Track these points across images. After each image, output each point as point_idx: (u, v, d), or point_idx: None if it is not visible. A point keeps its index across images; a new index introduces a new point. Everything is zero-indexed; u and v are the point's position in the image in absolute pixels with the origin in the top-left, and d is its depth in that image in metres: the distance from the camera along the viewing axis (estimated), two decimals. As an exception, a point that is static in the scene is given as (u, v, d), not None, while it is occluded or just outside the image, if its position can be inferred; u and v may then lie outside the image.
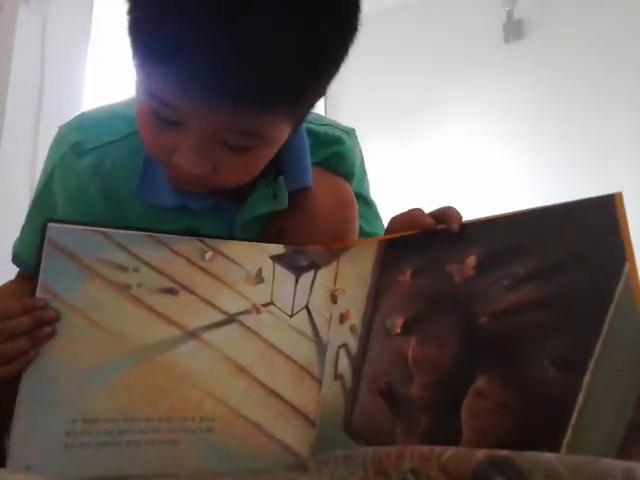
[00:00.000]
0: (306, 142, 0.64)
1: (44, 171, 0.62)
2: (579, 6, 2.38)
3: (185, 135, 0.49)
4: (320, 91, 0.52)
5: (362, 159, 0.74)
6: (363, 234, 0.71)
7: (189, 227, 0.56)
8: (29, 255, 0.61)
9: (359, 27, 0.49)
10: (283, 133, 0.52)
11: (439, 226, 0.52)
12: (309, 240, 0.58)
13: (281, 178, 0.61)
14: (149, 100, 0.48)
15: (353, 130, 0.72)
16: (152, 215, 0.58)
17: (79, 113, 0.65)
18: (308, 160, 0.64)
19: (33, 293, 0.48)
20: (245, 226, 0.62)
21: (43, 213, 0.61)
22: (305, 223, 0.62)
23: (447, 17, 2.63)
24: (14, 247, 0.64)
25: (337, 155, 0.67)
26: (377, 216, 0.79)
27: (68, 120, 0.63)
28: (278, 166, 0.62)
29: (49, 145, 0.63)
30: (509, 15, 2.53)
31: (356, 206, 0.67)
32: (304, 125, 0.63)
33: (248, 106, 0.46)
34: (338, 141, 0.67)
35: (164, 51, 0.44)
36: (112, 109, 0.63)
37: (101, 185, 0.59)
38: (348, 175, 0.69)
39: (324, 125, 0.67)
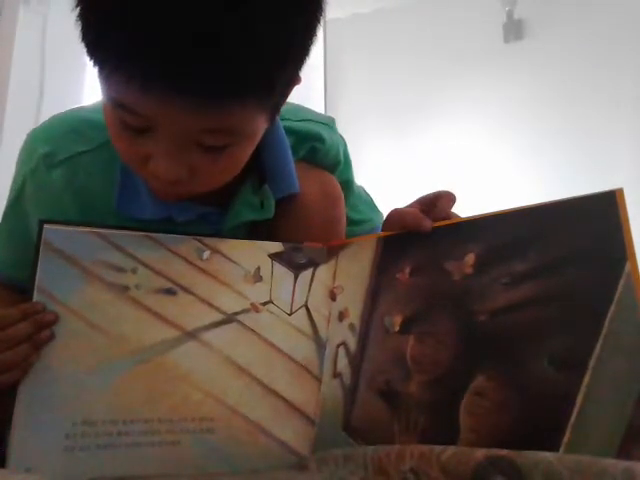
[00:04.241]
0: (287, 145, 0.62)
1: (15, 183, 0.60)
2: (579, 6, 2.38)
3: (156, 141, 0.46)
4: (291, 78, 0.49)
5: (345, 146, 0.72)
6: (351, 223, 0.70)
7: None
8: (5, 268, 0.60)
9: (324, 6, 0.46)
10: (259, 127, 0.50)
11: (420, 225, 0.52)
12: (298, 239, 0.57)
13: (266, 187, 0.60)
14: (114, 108, 0.46)
15: (333, 120, 0.71)
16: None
17: (48, 118, 0.62)
18: (292, 164, 0.62)
19: (30, 296, 0.48)
20: (232, 232, 0.60)
21: (14, 225, 0.60)
22: (293, 225, 0.61)
23: (447, 17, 2.63)
24: None
25: (319, 149, 0.66)
26: (366, 202, 0.78)
27: (39, 125, 0.61)
28: (261, 172, 0.60)
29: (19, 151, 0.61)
30: (509, 15, 2.53)
31: (343, 200, 0.66)
32: (282, 125, 0.62)
33: (215, 100, 0.43)
34: (318, 136, 0.66)
35: (118, 50, 0.42)
36: (83, 115, 0.60)
37: (76, 198, 0.57)
38: (333, 166, 0.68)
39: (303, 121, 0.66)
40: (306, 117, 0.67)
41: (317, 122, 0.67)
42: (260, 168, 0.60)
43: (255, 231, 0.62)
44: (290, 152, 0.62)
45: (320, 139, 0.66)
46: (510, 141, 2.47)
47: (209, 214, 0.60)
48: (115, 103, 0.45)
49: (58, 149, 0.57)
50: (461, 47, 2.58)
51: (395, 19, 2.69)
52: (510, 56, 2.52)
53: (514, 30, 2.53)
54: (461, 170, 2.51)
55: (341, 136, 0.72)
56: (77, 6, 0.44)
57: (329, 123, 0.69)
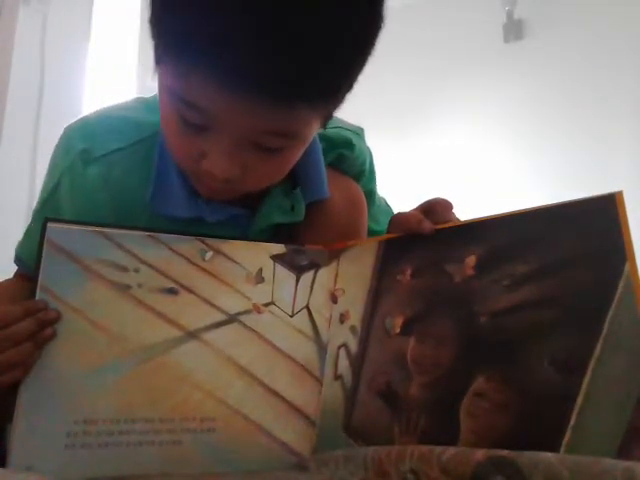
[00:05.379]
0: (320, 150, 0.63)
1: (50, 177, 0.60)
2: (579, 6, 2.38)
3: (215, 140, 0.47)
4: (351, 86, 0.50)
5: (371, 156, 0.73)
6: (371, 233, 0.70)
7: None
8: (31, 260, 0.61)
9: (384, 22, 0.47)
10: (313, 131, 0.51)
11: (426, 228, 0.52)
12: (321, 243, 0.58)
13: (299, 191, 0.61)
14: (175, 104, 0.47)
15: (362, 129, 0.71)
16: (165, 226, 0.57)
17: (87, 114, 0.63)
18: (323, 169, 0.63)
19: (33, 294, 0.48)
20: (260, 234, 0.62)
21: None
22: (317, 230, 0.62)
23: (447, 17, 2.63)
24: (16, 249, 0.63)
25: (347, 156, 0.67)
26: (385, 212, 0.78)
27: (74, 122, 0.62)
28: (294, 175, 0.61)
29: (54, 145, 0.61)
30: (509, 15, 2.53)
31: (366, 209, 0.67)
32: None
33: (286, 102, 0.44)
34: (348, 143, 0.67)
35: (196, 50, 0.42)
36: (120, 113, 0.62)
37: (110, 195, 0.58)
38: (358, 175, 0.69)
39: (334, 128, 0.66)
40: (337, 124, 0.67)
41: (347, 130, 0.68)
42: (292, 171, 0.60)
43: (278, 234, 0.63)
44: (322, 157, 0.63)
45: (349, 146, 0.67)
46: (510, 141, 2.47)
47: (239, 215, 0.61)
48: (180, 100, 0.46)
49: (95, 146, 0.58)
50: (461, 47, 2.59)
51: (395, 19, 2.69)
52: (510, 56, 2.53)
53: (514, 30, 2.53)
54: (461, 170, 2.51)
55: (368, 147, 0.72)
56: (154, 3, 0.45)
57: (359, 132, 0.70)
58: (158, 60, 0.47)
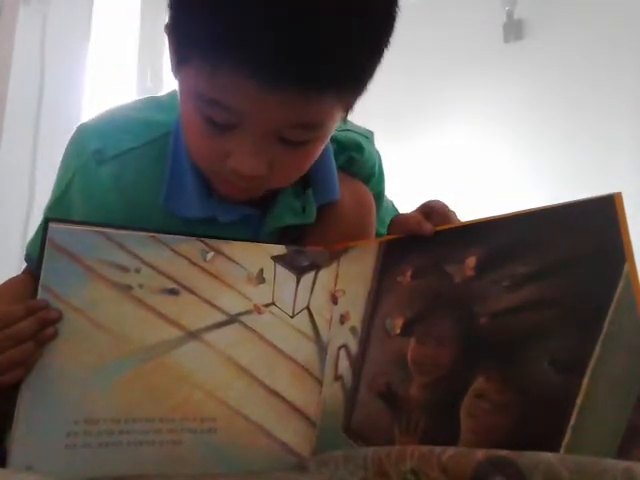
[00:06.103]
0: (332, 153, 0.63)
1: (62, 176, 0.60)
2: (579, 6, 2.37)
3: (241, 138, 0.48)
4: (372, 74, 0.50)
5: (380, 160, 0.74)
6: (378, 236, 0.71)
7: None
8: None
9: (398, 8, 0.48)
10: (336, 123, 0.52)
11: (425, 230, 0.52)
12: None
13: (310, 192, 0.61)
14: (199, 105, 0.47)
15: (371, 133, 0.72)
16: (177, 225, 0.57)
17: (97, 114, 0.63)
18: (335, 172, 0.63)
19: (35, 294, 0.48)
20: (269, 235, 0.62)
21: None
22: (326, 231, 0.62)
23: (447, 17, 2.63)
24: (27, 247, 0.64)
25: (357, 159, 0.67)
26: (392, 215, 0.79)
27: (86, 122, 0.62)
28: (305, 177, 0.61)
29: (55, 144, 0.62)
30: (509, 15, 2.53)
31: (375, 213, 0.68)
32: None
33: (312, 92, 0.44)
34: (358, 146, 0.67)
35: (222, 46, 0.43)
36: (129, 113, 0.62)
37: (123, 195, 0.58)
38: (367, 177, 0.70)
39: (344, 130, 0.67)
40: (347, 128, 0.68)
41: (357, 133, 0.68)
42: (305, 174, 0.61)
43: (286, 234, 0.63)
44: (334, 160, 0.63)
45: (359, 149, 0.67)
46: (509, 141, 2.46)
47: (251, 216, 0.61)
48: (205, 99, 0.46)
49: (108, 145, 0.58)
50: (461, 47, 2.58)
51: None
52: (510, 56, 2.52)
53: (514, 30, 2.53)
54: (461, 170, 2.51)
55: (377, 150, 0.73)
56: (174, 7, 0.46)
57: (368, 135, 0.71)
58: (180, 62, 0.48)
